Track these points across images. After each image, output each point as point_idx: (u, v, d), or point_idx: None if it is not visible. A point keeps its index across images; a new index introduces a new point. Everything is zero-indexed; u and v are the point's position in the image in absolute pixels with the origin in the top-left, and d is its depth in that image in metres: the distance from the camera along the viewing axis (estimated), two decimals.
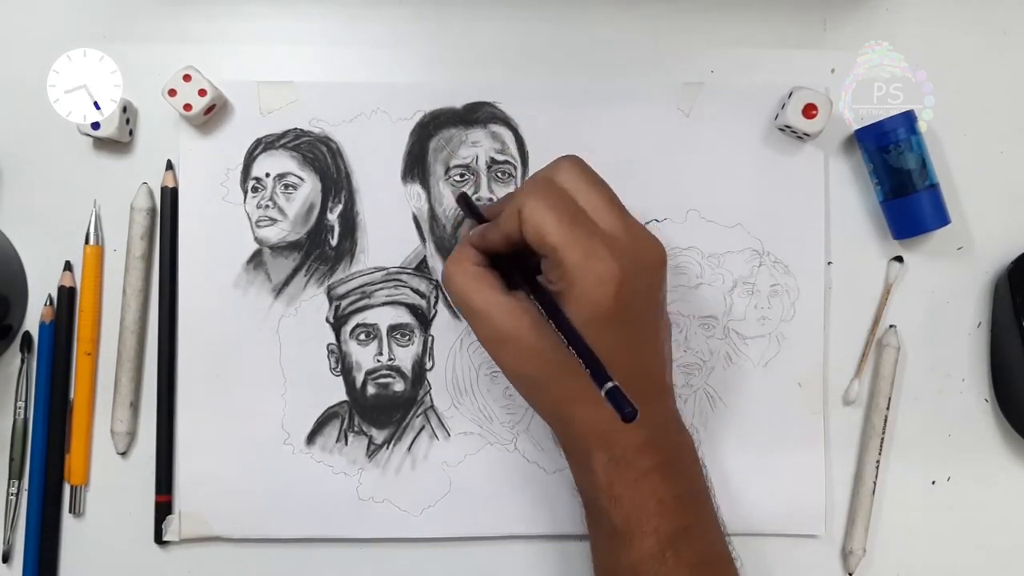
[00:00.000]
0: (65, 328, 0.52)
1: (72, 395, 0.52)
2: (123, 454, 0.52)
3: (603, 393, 0.37)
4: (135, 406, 0.52)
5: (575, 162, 0.44)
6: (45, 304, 0.52)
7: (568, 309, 0.41)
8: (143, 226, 0.52)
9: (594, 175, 0.44)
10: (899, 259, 0.53)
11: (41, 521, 0.51)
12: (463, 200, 0.51)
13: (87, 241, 0.52)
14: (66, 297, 0.52)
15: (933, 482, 0.53)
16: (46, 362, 0.52)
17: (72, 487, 0.52)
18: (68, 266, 0.52)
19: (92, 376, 0.52)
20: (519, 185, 0.52)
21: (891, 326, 0.52)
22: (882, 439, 0.52)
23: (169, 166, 0.52)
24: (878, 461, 0.52)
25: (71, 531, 0.52)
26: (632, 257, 0.42)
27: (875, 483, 0.52)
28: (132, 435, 0.52)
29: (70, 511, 0.52)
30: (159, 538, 0.51)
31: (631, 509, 0.43)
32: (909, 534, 0.53)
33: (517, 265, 0.44)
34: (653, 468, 0.43)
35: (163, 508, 0.51)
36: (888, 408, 0.52)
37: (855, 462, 0.53)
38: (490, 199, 0.52)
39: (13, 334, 0.52)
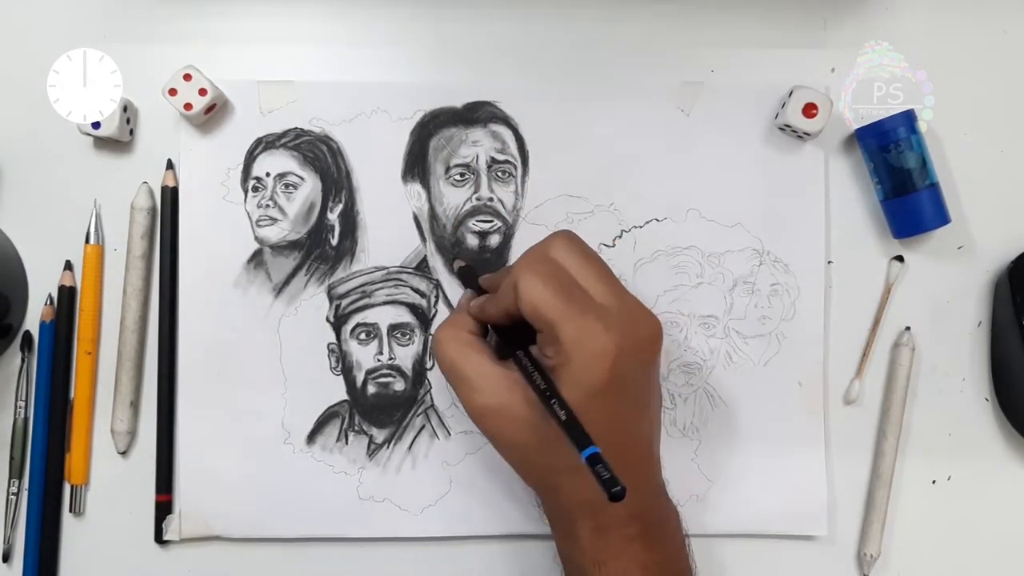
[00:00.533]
0: (65, 328, 0.52)
1: (72, 394, 0.52)
2: (123, 453, 0.52)
3: (592, 473, 0.37)
4: (135, 405, 0.52)
5: (569, 236, 0.45)
6: (45, 303, 0.52)
7: (563, 384, 0.41)
8: (143, 226, 0.52)
9: (587, 249, 0.45)
10: (899, 259, 0.53)
11: (41, 521, 0.51)
12: (465, 273, 0.51)
13: (87, 240, 0.52)
14: (66, 297, 0.52)
15: (934, 481, 0.53)
16: (46, 362, 0.52)
17: (72, 487, 0.52)
18: (68, 265, 0.52)
19: (92, 375, 0.52)
20: (519, 185, 0.52)
21: (907, 328, 0.52)
22: (897, 442, 0.52)
23: (169, 165, 0.52)
24: (894, 465, 0.52)
25: (71, 531, 0.52)
26: (627, 332, 0.42)
27: (890, 488, 0.52)
28: (132, 434, 0.52)
29: (70, 510, 0.52)
30: (159, 538, 0.51)
31: (615, 574, 0.43)
32: (909, 534, 0.53)
33: (514, 338, 0.44)
34: (637, 536, 0.43)
35: (163, 508, 0.51)
36: (903, 412, 0.52)
37: (863, 463, 0.52)
38: (490, 199, 0.52)
39: (13, 334, 0.52)
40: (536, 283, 0.42)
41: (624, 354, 0.41)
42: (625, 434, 0.43)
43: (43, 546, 0.51)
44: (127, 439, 0.52)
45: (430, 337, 0.52)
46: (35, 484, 0.51)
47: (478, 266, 0.52)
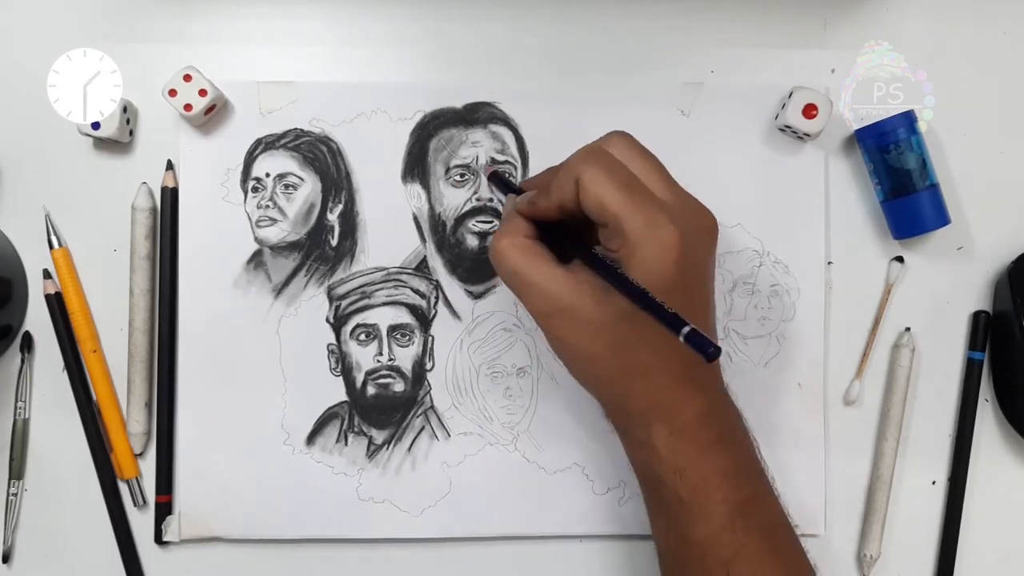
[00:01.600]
0: (65, 333, 0.52)
1: (95, 396, 0.52)
2: (140, 455, 0.52)
3: (682, 338, 0.37)
4: (150, 406, 0.52)
5: (624, 135, 0.45)
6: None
7: (631, 276, 0.41)
8: (146, 226, 0.52)
9: (644, 148, 0.45)
10: (899, 259, 0.53)
11: (122, 528, 0.52)
12: (495, 177, 0.50)
13: (51, 246, 0.52)
14: (56, 303, 0.52)
15: (933, 482, 0.53)
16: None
17: (127, 482, 0.52)
18: (47, 274, 0.52)
19: (105, 371, 0.52)
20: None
21: (907, 328, 0.52)
22: (897, 442, 0.52)
23: (169, 166, 0.52)
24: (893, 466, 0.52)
25: (72, 530, 0.52)
26: (689, 224, 0.42)
27: (890, 488, 0.52)
28: (149, 435, 0.52)
29: (134, 504, 0.52)
30: (159, 538, 0.51)
31: (697, 481, 0.43)
32: (909, 534, 0.53)
33: (568, 236, 0.44)
34: (715, 439, 0.43)
35: (163, 508, 0.51)
36: (903, 413, 0.52)
37: (862, 464, 0.53)
38: (490, 199, 0.52)
39: (13, 335, 0.52)
40: (599, 176, 0.42)
41: (688, 246, 0.41)
42: (694, 324, 0.43)
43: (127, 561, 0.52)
44: (143, 440, 0.52)
45: (430, 338, 0.52)
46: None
47: (478, 266, 0.52)
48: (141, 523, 0.52)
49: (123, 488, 0.52)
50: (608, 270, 0.41)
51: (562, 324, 0.43)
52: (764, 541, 0.43)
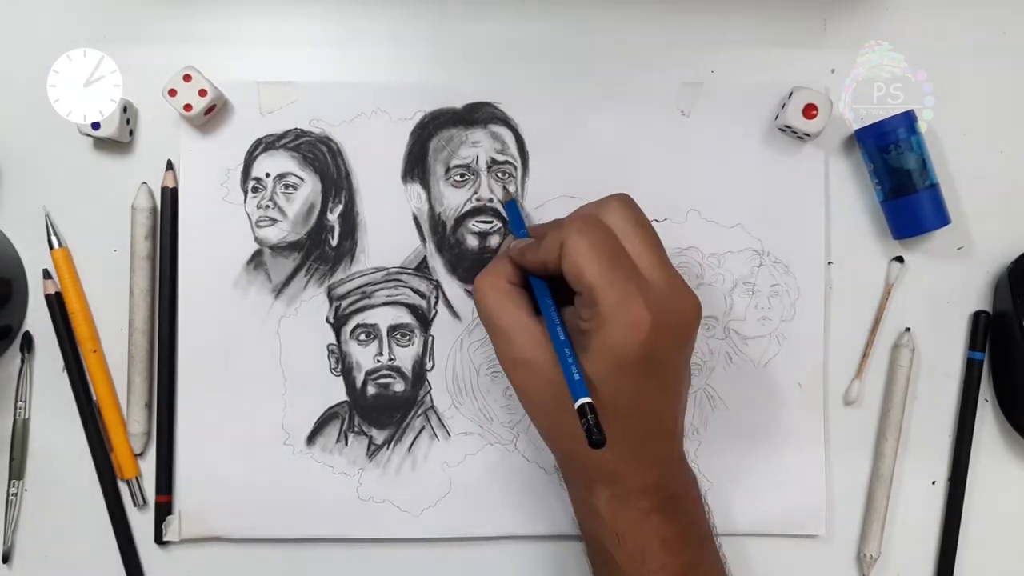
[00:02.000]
0: (65, 333, 0.52)
1: (95, 396, 0.52)
2: (140, 455, 0.52)
3: (576, 408, 0.38)
4: (150, 406, 0.52)
5: (627, 202, 0.44)
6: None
7: (594, 350, 0.41)
8: (146, 226, 0.52)
9: (642, 218, 0.44)
10: (899, 259, 0.53)
11: (122, 528, 0.52)
12: (511, 209, 0.51)
13: (51, 246, 0.52)
14: (56, 304, 0.52)
15: (933, 482, 0.53)
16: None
17: (127, 482, 0.52)
18: (47, 274, 0.52)
19: (105, 371, 0.52)
20: (517, 186, 0.52)
21: (907, 329, 0.52)
22: (897, 442, 0.52)
23: (169, 166, 0.52)
24: (893, 467, 0.52)
25: (72, 530, 0.52)
26: (667, 309, 0.42)
27: (890, 489, 0.52)
28: (149, 435, 0.52)
29: (134, 504, 0.52)
30: (159, 538, 0.51)
31: (634, 548, 0.43)
32: (909, 534, 0.53)
33: (548, 287, 0.44)
34: (655, 508, 0.43)
35: (163, 508, 0.51)
36: (903, 413, 0.52)
37: (862, 464, 0.53)
38: (490, 199, 0.52)
39: (13, 335, 0.52)
40: (583, 245, 0.42)
41: (659, 330, 0.41)
42: (650, 408, 0.43)
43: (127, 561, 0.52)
44: (143, 440, 0.52)
45: (430, 338, 0.52)
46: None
47: (478, 266, 0.52)
48: (141, 523, 0.52)
49: (123, 488, 0.52)
50: (549, 325, 0.42)
51: (522, 374, 0.44)
52: None
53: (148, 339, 0.52)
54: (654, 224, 0.51)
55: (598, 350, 0.41)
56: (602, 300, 0.41)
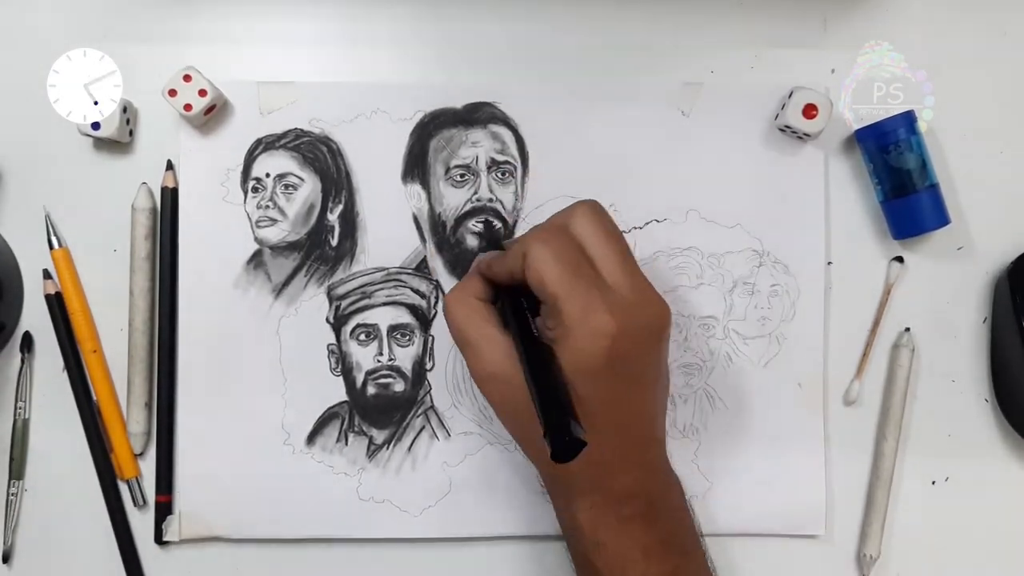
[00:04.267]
0: (65, 333, 0.52)
1: (95, 396, 0.52)
2: (140, 455, 0.52)
3: (543, 426, 0.37)
4: (150, 406, 0.52)
5: (593, 209, 0.44)
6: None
7: (562, 357, 0.41)
8: (146, 226, 0.52)
9: (610, 225, 0.44)
10: (899, 259, 0.53)
11: (122, 528, 0.52)
12: (487, 231, 0.51)
13: (51, 247, 0.52)
14: (56, 304, 0.52)
15: (933, 482, 0.53)
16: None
17: (127, 482, 0.52)
18: (47, 274, 0.52)
19: (105, 371, 0.52)
20: (519, 186, 0.52)
21: (906, 329, 0.52)
22: (897, 442, 0.52)
23: (169, 166, 0.52)
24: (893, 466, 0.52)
25: (72, 530, 0.52)
26: (632, 315, 0.42)
27: (890, 488, 0.52)
28: (148, 435, 0.52)
29: (134, 504, 0.52)
30: (159, 538, 0.51)
31: (614, 557, 0.43)
32: (909, 534, 0.53)
33: (513, 300, 0.44)
34: (636, 515, 0.43)
35: (163, 508, 0.51)
36: (903, 413, 0.52)
37: (863, 464, 0.52)
38: (490, 199, 0.52)
39: (7, 333, 0.52)
40: (545, 254, 0.42)
41: (625, 336, 0.41)
42: (622, 413, 0.43)
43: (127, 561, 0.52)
44: (143, 440, 0.52)
45: (430, 338, 0.52)
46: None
47: None
48: (141, 523, 0.52)
49: (123, 488, 0.52)
50: (517, 339, 0.42)
51: (493, 388, 0.44)
52: None
53: (148, 339, 0.52)
54: (654, 223, 0.52)
55: (564, 359, 0.41)
56: (565, 309, 0.41)
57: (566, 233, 0.43)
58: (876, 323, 0.53)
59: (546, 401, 0.39)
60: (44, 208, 0.52)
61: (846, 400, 0.53)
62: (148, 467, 0.52)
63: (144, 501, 0.52)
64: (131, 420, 0.52)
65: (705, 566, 0.46)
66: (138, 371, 0.51)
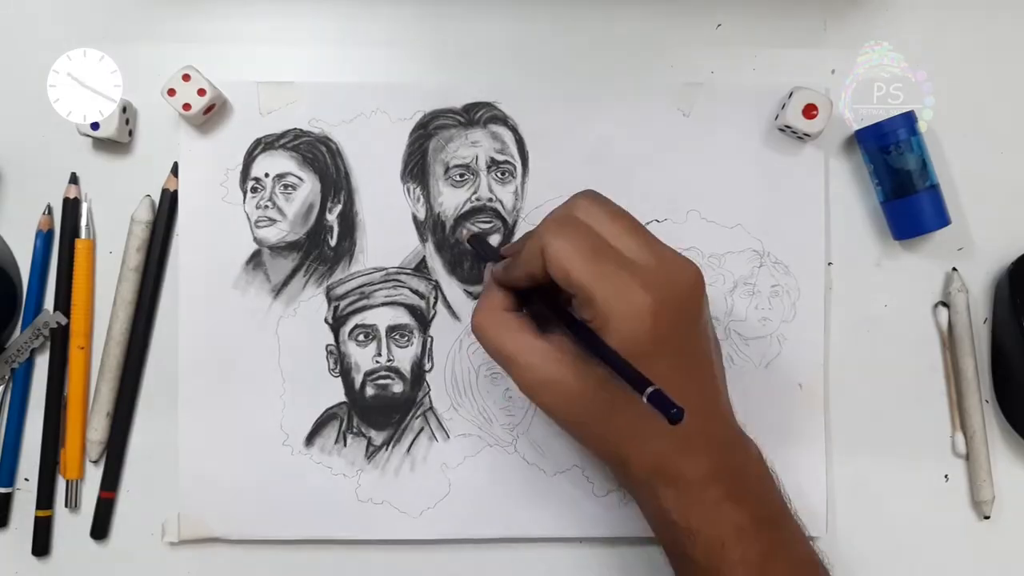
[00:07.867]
0: (61, 331, 0.52)
1: (66, 391, 0.52)
2: (95, 462, 0.52)
3: (645, 399, 0.36)
4: (111, 416, 0.52)
5: (592, 195, 0.43)
6: (44, 213, 0.52)
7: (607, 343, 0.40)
8: (140, 238, 0.51)
9: (612, 205, 0.43)
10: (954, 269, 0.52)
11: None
12: (475, 240, 0.50)
13: (78, 235, 0.52)
14: (63, 283, 0.52)
15: (933, 482, 0.53)
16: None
17: (68, 482, 0.51)
18: (49, 210, 0.52)
19: (85, 371, 0.52)
20: (519, 186, 0.52)
21: (953, 269, 0.52)
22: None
23: (175, 170, 0.52)
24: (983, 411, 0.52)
25: (70, 529, 0.52)
26: (665, 284, 0.41)
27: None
28: (104, 445, 0.52)
29: (66, 505, 0.51)
30: (97, 533, 0.51)
31: (711, 542, 0.42)
32: (909, 535, 0.52)
33: (546, 300, 0.43)
34: (723, 497, 0.42)
35: (105, 504, 0.51)
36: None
37: (862, 464, 0.52)
38: (490, 199, 0.52)
39: (8, 334, 0.52)
40: (564, 246, 0.41)
41: (664, 309, 0.40)
42: (683, 389, 0.40)
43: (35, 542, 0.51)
44: (100, 448, 0.51)
45: (429, 339, 0.52)
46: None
47: (478, 267, 0.52)
48: (74, 530, 0.52)
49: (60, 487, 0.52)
50: (581, 334, 0.41)
51: (545, 395, 0.43)
52: None
53: (123, 349, 0.51)
54: (654, 223, 0.52)
55: (611, 345, 0.40)
56: (598, 295, 0.40)
57: (576, 220, 0.42)
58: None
59: (633, 373, 0.37)
60: (86, 196, 0.52)
61: (847, 401, 0.52)
62: (139, 466, 0.52)
63: (76, 505, 0.51)
64: (91, 427, 0.51)
65: (798, 533, 0.44)
66: (106, 380, 0.51)
